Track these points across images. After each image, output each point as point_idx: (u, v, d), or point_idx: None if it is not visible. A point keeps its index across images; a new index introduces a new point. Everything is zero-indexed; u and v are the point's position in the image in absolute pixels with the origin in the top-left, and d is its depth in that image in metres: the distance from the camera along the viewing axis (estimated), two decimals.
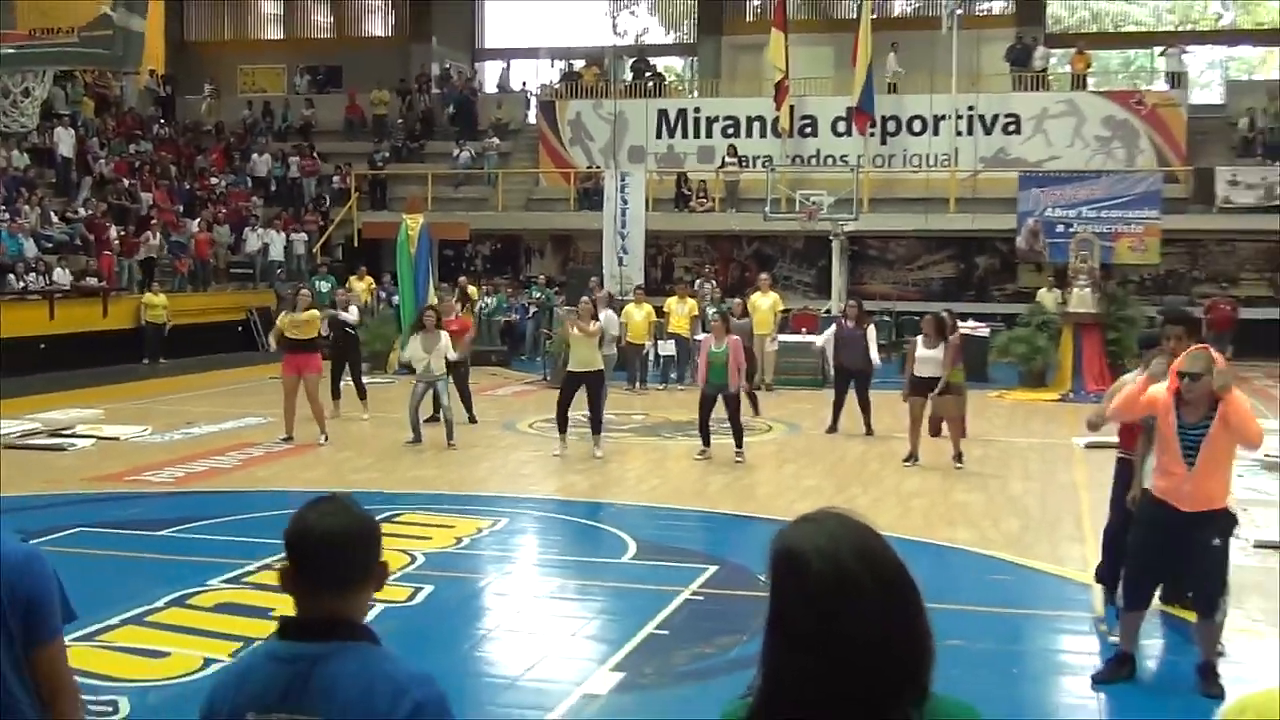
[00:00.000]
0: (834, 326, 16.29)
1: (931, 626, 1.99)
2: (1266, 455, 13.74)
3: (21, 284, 21.85)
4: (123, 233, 25.50)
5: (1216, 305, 23.58)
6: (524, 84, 35.46)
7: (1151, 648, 7.37)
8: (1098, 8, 42.08)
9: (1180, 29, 36.02)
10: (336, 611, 2.42)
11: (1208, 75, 35.10)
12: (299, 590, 2.44)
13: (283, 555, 2.45)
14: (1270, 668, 6.55)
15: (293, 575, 2.43)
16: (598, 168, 29.59)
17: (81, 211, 25.67)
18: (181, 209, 28.55)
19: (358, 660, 2.40)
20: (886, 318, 24.16)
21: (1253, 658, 6.89)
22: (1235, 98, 30.14)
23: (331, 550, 2.41)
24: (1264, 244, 26.96)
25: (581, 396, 13.84)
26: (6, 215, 23.53)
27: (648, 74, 33.05)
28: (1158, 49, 32.47)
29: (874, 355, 15.55)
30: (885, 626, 1.93)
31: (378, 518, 8.60)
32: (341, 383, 16.86)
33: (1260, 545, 9.57)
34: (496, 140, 31.85)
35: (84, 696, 6.18)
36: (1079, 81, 29.77)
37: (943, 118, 28.67)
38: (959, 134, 28.46)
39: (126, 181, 28.27)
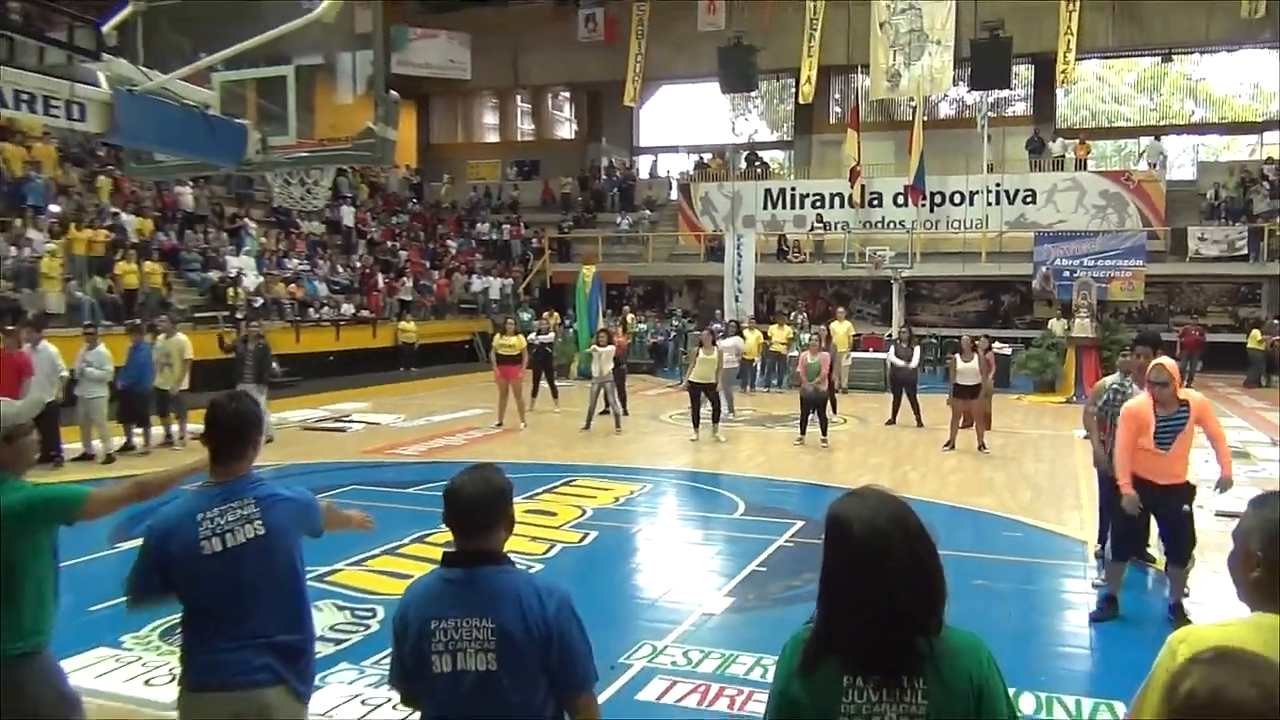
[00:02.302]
0: (893, 347, 16.06)
1: (945, 574, 1.95)
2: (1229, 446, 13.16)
3: (317, 315, 22.66)
4: (386, 279, 26.24)
5: (1189, 331, 22.62)
6: (668, 171, 35.51)
7: (1132, 592, 7.10)
8: (1096, 108, 40.72)
9: (1161, 123, 34.73)
10: (480, 546, 2.50)
11: (1182, 158, 33.67)
12: (453, 532, 2.53)
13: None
14: (1223, 606, 6.26)
15: (447, 522, 2.53)
16: (721, 231, 29.51)
17: (358, 264, 26.48)
18: (427, 262, 29.24)
19: (507, 576, 2.50)
20: (934, 340, 23.87)
21: (1211, 599, 6.57)
22: (1204, 175, 28.82)
23: (470, 507, 2.50)
24: (1226, 285, 25.81)
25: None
26: (308, 266, 24.39)
27: (757, 163, 32.90)
28: (1143, 139, 31.43)
29: (914, 361, 15.34)
30: (911, 576, 1.90)
31: (560, 482, 8.69)
32: (539, 385, 17.07)
33: (1220, 514, 9.15)
34: (648, 212, 32.00)
35: (352, 606, 6.36)
36: (1081, 164, 28.79)
37: (976, 192, 27.97)
38: (989, 204, 27.72)
39: (389, 243, 29.11)
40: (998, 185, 27.99)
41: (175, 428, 12.88)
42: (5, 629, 3.10)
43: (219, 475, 3.07)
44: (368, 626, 6.04)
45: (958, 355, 13.30)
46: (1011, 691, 1.84)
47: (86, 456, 11.59)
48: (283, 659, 3.01)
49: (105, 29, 4.99)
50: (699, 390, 13.79)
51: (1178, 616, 6.07)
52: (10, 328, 12.35)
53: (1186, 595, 6.46)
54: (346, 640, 5.80)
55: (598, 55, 31.98)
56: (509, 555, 2.55)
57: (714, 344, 14.00)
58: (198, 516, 3.01)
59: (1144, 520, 6.32)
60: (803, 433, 13.63)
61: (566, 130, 38.55)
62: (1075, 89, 36.03)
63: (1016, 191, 28.09)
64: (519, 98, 37.97)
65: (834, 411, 15.32)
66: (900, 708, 1.89)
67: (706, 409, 13.82)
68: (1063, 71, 27.32)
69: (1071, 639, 6.27)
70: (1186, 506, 6.14)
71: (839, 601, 1.96)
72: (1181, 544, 6.19)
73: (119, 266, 18.75)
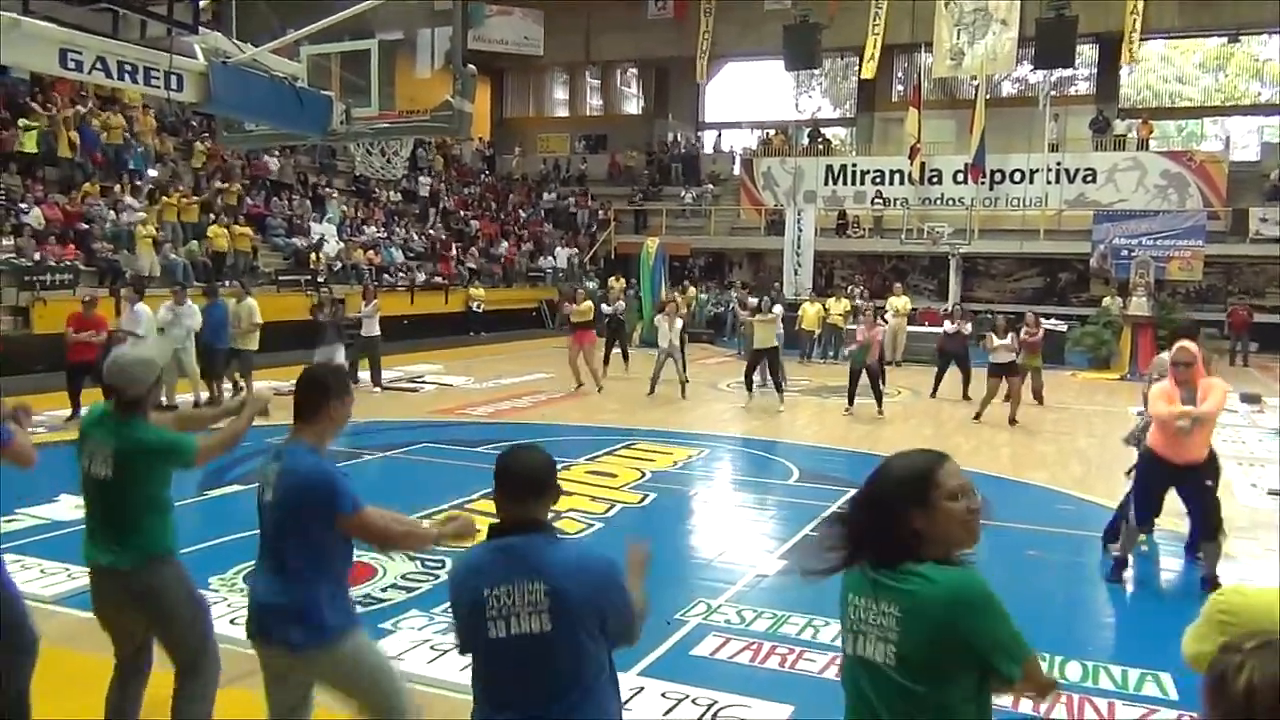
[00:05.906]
0: (947, 322, 15.82)
1: (894, 517, 2.12)
2: None
3: (393, 280, 22.93)
4: (459, 247, 26.45)
5: (1236, 311, 21.72)
6: (731, 147, 35.21)
7: (1184, 569, 6.95)
8: (1160, 88, 39.47)
9: (1225, 104, 33.50)
10: (526, 514, 2.50)
11: (1247, 139, 32.48)
12: (502, 503, 2.53)
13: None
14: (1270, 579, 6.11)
15: (497, 494, 2.52)
16: (781, 206, 29.21)
17: (432, 232, 26.72)
18: (497, 231, 29.42)
19: (557, 544, 2.52)
20: (989, 316, 23.40)
21: (1258, 573, 6.44)
22: (1269, 156, 27.75)
23: (516, 481, 2.51)
24: None
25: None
26: (385, 234, 24.68)
27: (819, 140, 32.46)
28: (1208, 119, 30.34)
29: (966, 328, 15.15)
30: (865, 511, 2.18)
31: (620, 445, 8.73)
32: (612, 352, 17.05)
33: (1273, 493, 8.94)
34: (711, 186, 31.77)
35: (422, 557, 6.45)
36: (1143, 144, 27.92)
37: (1036, 171, 27.24)
38: (1048, 183, 27.04)
39: (462, 213, 29.30)
40: (1058, 164, 27.30)
41: (242, 385, 13.16)
42: (134, 541, 3.52)
43: (290, 433, 3.25)
44: (437, 576, 6.13)
45: (992, 334, 13.16)
46: (1059, 660, 1.81)
47: (170, 408, 11.90)
48: (278, 616, 3.16)
49: (202, 3, 5.07)
50: (760, 356, 13.74)
51: (1211, 589, 5.98)
52: (87, 299, 12.71)
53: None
54: (416, 589, 5.91)
55: (666, 33, 31.73)
56: (553, 525, 2.58)
57: (771, 309, 13.96)
58: (261, 464, 3.28)
59: (1161, 494, 6.29)
60: (850, 402, 13.55)
61: (634, 106, 38.34)
62: (1139, 69, 34.94)
63: (1077, 170, 27.38)
64: (589, 74, 37.83)
65: (884, 383, 15.19)
66: (878, 631, 2.09)
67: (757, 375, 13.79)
68: (1128, 51, 26.48)
69: (1119, 611, 6.18)
70: (1209, 482, 6.10)
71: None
72: (1208, 519, 6.15)
73: (211, 230, 19.15)
